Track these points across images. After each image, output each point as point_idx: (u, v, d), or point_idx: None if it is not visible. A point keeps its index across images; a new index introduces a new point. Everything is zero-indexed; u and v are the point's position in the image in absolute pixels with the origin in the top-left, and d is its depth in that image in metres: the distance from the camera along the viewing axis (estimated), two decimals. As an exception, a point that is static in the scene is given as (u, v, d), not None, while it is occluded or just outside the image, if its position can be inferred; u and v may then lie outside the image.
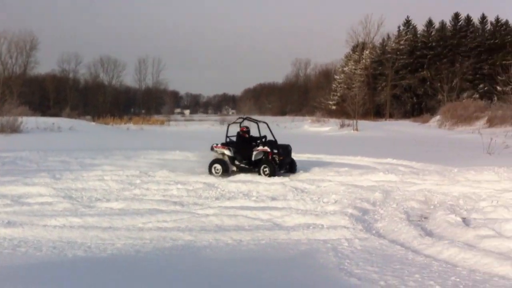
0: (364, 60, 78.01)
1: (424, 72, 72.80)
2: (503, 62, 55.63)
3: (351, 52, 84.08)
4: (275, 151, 13.95)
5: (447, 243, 6.78)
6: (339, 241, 7.14)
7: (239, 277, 5.77)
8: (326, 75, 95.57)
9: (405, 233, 7.55)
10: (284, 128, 46.23)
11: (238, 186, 11.76)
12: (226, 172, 13.94)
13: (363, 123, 45.25)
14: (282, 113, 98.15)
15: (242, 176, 13.19)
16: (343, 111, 57.75)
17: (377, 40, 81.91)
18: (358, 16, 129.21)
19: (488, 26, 76.67)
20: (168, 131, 46.17)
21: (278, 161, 13.90)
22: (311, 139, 33.26)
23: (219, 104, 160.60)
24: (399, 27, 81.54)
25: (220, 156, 14.42)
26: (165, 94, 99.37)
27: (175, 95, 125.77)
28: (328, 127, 46.57)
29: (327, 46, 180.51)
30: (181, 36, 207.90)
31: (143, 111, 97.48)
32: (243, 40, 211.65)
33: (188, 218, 8.46)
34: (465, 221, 8.28)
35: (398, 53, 76.02)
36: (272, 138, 14.45)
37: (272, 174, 13.46)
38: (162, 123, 60.37)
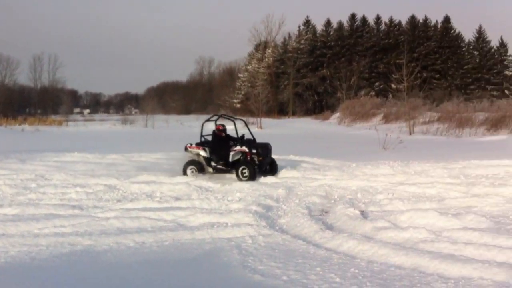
0: (267, 59, 79.19)
1: (324, 70, 75.29)
2: (397, 61, 58.61)
3: (254, 51, 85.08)
4: (254, 151, 12.95)
5: (346, 236, 7.00)
6: (243, 238, 7.16)
7: (141, 280, 5.62)
8: (230, 73, 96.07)
9: (307, 228, 7.72)
10: (188, 127, 45.89)
11: (141, 187, 11.44)
12: (201, 174, 13.13)
13: (267, 121, 46.00)
14: (187, 111, 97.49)
15: (145, 177, 12.76)
16: (247, 109, 58.43)
17: (279, 39, 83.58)
18: (260, 15, 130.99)
19: (383, 27, 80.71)
20: (66, 131, 44.23)
21: (257, 162, 12.94)
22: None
23: (121, 103, 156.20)
24: (299, 26, 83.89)
25: (195, 157, 13.52)
26: (62, 93, 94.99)
27: (73, 94, 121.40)
28: (233, 126, 46.75)
29: (230, 45, 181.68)
30: (79, 32, 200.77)
31: (39, 111, 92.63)
32: (145, 37, 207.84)
33: (87, 222, 8.12)
34: (363, 214, 8.62)
35: (299, 52, 77.93)
36: (250, 137, 13.61)
37: (251, 177, 12.47)
38: (60, 123, 57.70)
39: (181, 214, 8.59)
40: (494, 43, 78.14)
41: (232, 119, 14.62)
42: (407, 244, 6.75)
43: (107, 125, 53.45)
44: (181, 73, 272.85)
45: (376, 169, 13.10)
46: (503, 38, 77.20)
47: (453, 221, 7.71)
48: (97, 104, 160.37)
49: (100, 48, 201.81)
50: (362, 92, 65.36)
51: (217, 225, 7.89)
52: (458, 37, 78.57)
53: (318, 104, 77.18)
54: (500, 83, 72.98)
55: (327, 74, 73.95)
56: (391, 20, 79.72)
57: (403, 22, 79.59)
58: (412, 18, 78.67)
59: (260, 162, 12.98)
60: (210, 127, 14.56)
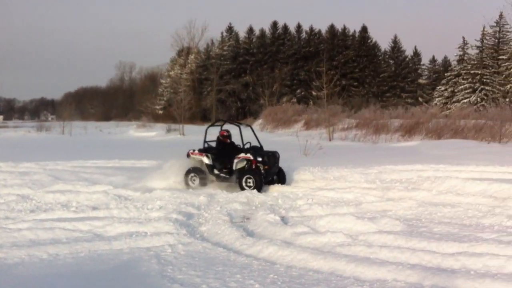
0: (189, 65, 78.77)
1: (247, 77, 75.77)
2: (317, 69, 59.91)
3: (176, 56, 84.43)
4: (260, 159, 12.12)
5: (266, 242, 7.04)
6: (162, 247, 7.03)
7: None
8: (152, 79, 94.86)
9: (228, 235, 7.71)
10: (108, 134, 44.82)
11: (56, 197, 10.94)
12: (203, 183, 12.50)
13: (189, 128, 45.64)
14: (107, 118, 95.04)
15: (61, 186, 12.19)
16: (170, 115, 57.72)
17: (202, 45, 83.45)
18: (183, 21, 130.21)
19: (304, 35, 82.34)
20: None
21: (263, 171, 12.12)
22: (137, 144, 32.59)
23: (36, 109, 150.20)
24: (222, 33, 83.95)
25: (198, 164, 12.83)
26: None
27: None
28: (154, 132, 46.12)
29: (152, 50, 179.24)
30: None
31: None
32: (62, 41, 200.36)
33: (-3, 234, 7.69)
34: (284, 220, 8.72)
35: (222, 58, 78.03)
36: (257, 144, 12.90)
37: (257, 187, 11.63)
38: (-31, 131, 54.58)
39: (98, 224, 8.31)
40: (409, 52, 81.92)
41: (238, 124, 13.82)
42: (325, 248, 6.89)
43: (21, 132, 51.10)
44: (101, 78, 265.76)
45: (296, 175, 13.33)
46: (417, 47, 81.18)
47: (369, 225, 7.96)
48: (11, 110, 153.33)
49: (14, 51, 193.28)
50: (284, 99, 66.39)
51: (136, 235, 7.70)
52: (375, 46, 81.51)
53: (241, 111, 77.58)
54: (414, 91, 76.32)
55: (250, 80, 74.52)
56: (311, 29, 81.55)
57: (323, 31, 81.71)
58: (332, 27, 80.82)
59: (266, 171, 12.15)
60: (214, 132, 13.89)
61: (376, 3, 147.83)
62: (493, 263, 5.97)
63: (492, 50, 57.88)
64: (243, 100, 77.27)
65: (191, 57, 79.19)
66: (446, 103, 55.38)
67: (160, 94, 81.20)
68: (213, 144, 13.37)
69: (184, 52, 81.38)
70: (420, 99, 72.17)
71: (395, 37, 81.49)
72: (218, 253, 6.79)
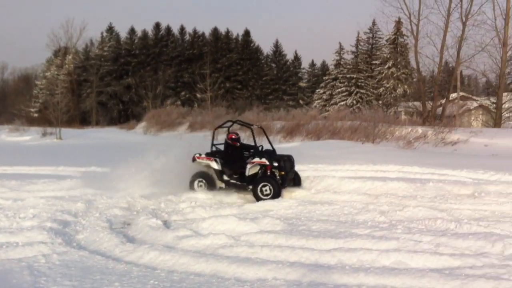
0: (67, 66, 75.54)
1: (129, 79, 74.15)
2: (201, 71, 60.14)
3: (53, 57, 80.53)
4: (276, 164, 11.06)
5: (147, 247, 6.87)
6: (35, 258, 6.60)
7: None
8: (26, 80, 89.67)
9: (106, 242, 7.42)
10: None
11: None
12: (211, 189, 11.43)
13: (67, 131, 43.64)
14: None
15: None
16: (45, 118, 54.73)
17: (80, 46, 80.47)
18: (59, 19, 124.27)
19: (187, 37, 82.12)
20: None
21: (278, 177, 11.07)
22: (9, 149, 30.56)
23: None
24: (102, 33, 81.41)
25: (205, 169, 11.74)
26: None
27: None
28: (29, 136, 43.47)
29: (26, 49, 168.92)
30: None
31: None
32: None
33: None
34: (166, 224, 8.58)
35: (102, 59, 75.78)
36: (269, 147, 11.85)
37: (275, 195, 10.56)
38: None
39: (-38, 237, 7.64)
40: (290, 56, 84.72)
41: (249, 126, 12.90)
42: (208, 250, 6.87)
43: None
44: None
45: (177, 178, 13.17)
46: (297, 52, 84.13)
47: (251, 225, 8.05)
48: None
49: None
50: (168, 101, 65.83)
51: (6, 245, 7.15)
52: (258, 50, 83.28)
53: (123, 114, 75.71)
54: (295, 94, 79.06)
55: (133, 82, 73.00)
56: (195, 31, 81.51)
57: (207, 34, 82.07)
58: (215, 30, 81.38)
59: (281, 178, 11.11)
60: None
61: (257, 8, 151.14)
62: (366, 258, 6.30)
63: (366, 55, 61.55)
64: (126, 102, 75.54)
65: (69, 57, 76.01)
66: (325, 105, 58.03)
67: (35, 96, 76.91)
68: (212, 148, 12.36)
69: (61, 52, 77.95)
70: (301, 101, 74.99)
71: (277, 41, 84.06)
72: (96, 261, 6.50)
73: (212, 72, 66.51)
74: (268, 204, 9.91)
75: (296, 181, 11.88)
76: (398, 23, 48.08)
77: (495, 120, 35.86)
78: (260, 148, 11.82)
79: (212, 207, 9.78)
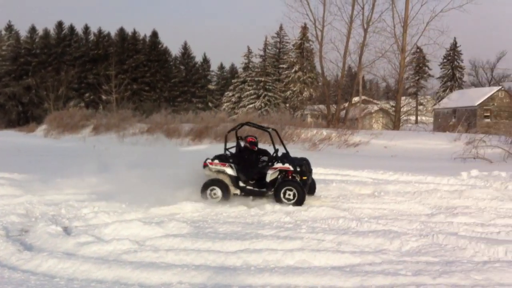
0: (-40, 65, 70.83)
1: (29, 79, 70.82)
2: (107, 72, 58.65)
3: None
4: (298, 169, 10.49)
5: (46, 255, 6.55)
6: None
7: None
8: None
9: (2, 250, 6.97)
10: None
11: None
12: (226, 197, 10.48)
13: (-41, 135, 40.92)
14: None
15: None
16: None
17: (-25, 44, 75.60)
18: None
19: (92, 37, 79.59)
20: None
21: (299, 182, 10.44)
22: None
23: None
24: (0, 31, 77.17)
25: (217, 176, 10.73)
26: None
27: None
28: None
29: None
30: None
31: None
32: None
33: None
34: (67, 230, 8.22)
35: (0, 59, 71.73)
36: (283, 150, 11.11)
37: (299, 201, 10.04)
38: None
39: None
40: (198, 59, 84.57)
41: (265, 129, 11.85)
42: (111, 256, 6.67)
43: None
44: None
45: (81, 182, 12.72)
46: (206, 54, 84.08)
47: (157, 229, 7.91)
48: None
49: None
50: (71, 103, 63.62)
51: None
52: (166, 51, 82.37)
53: (23, 116, 72.10)
54: (204, 96, 79.00)
55: (33, 83, 69.72)
56: (100, 31, 79.19)
57: (112, 34, 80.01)
58: (121, 31, 79.52)
59: (303, 182, 10.53)
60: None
61: (166, 10, 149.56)
62: (271, 258, 6.40)
63: (274, 59, 62.72)
64: (25, 104, 72.02)
65: (-38, 56, 71.32)
66: (234, 108, 58.48)
67: None
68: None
69: (-47, 50, 72.93)
70: (210, 104, 75.03)
71: (185, 43, 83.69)
72: (-9, 271, 6.11)
73: (118, 73, 65.03)
74: (174, 208, 9.79)
75: (311, 187, 11.35)
76: (304, 28, 49.41)
77: (394, 122, 37.89)
78: (276, 152, 11.16)
79: (116, 212, 9.48)
